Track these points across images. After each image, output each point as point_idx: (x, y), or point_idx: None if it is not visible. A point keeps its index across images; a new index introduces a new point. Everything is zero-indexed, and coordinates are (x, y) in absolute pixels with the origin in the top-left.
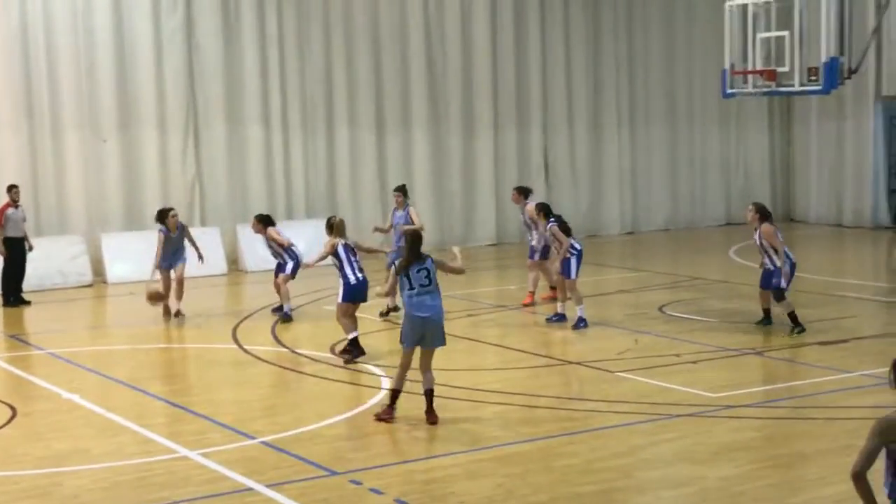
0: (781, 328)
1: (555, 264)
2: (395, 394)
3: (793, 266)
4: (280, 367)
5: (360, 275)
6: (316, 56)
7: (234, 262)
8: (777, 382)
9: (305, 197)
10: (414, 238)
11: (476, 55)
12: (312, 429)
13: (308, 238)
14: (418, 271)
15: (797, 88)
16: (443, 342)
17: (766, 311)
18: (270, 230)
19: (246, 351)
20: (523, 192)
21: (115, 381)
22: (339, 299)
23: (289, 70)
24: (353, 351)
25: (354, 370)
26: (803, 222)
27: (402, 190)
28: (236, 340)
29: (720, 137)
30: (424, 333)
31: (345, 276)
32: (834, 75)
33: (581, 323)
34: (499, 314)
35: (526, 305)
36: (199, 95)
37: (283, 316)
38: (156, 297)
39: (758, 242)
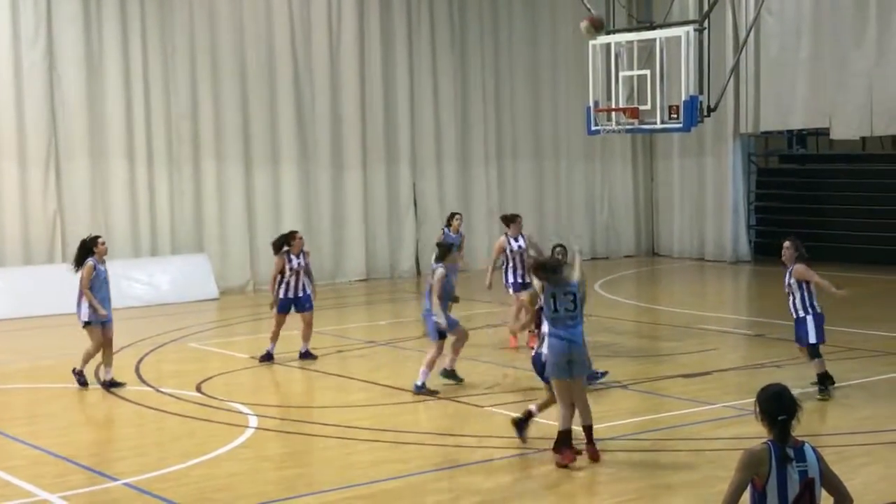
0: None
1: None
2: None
3: (817, 316)
4: (144, 406)
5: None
6: (181, 90)
7: None
8: (642, 415)
9: (171, 233)
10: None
11: (344, 91)
12: (177, 469)
13: (173, 276)
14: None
15: (659, 126)
16: None
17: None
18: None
19: (108, 390)
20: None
21: None
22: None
23: (154, 103)
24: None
25: (220, 409)
26: (667, 256)
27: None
28: (99, 380)
29: (585, 173)
30: None
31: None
32: (694, 113)
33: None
34: (368, 350)
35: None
36: (60, 128)
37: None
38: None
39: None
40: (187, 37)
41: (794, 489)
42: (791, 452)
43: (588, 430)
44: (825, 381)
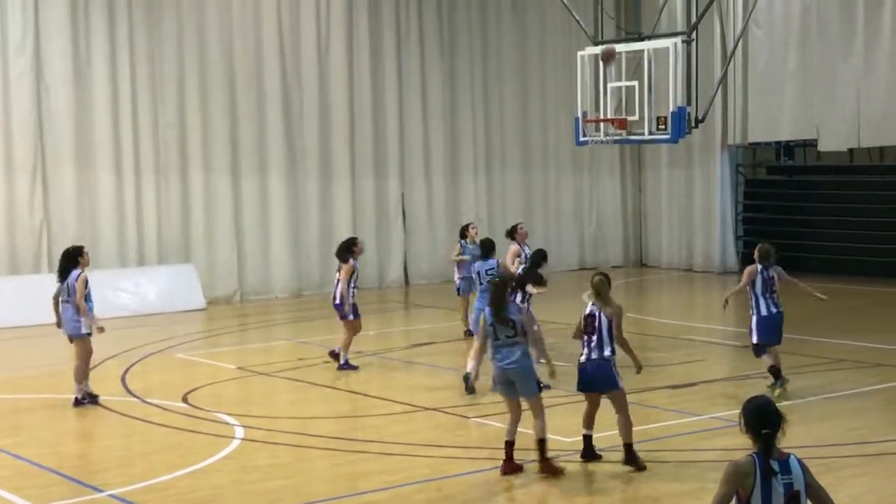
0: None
1: None
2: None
3: (760, 318)
4: (130, 416)
5: None
6: (169, 100)
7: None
8: None
9: (158, 243)
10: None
11: (332, 101)
12: (163, 480)
13: (160, 286)
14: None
15: (647, 137)
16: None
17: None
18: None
19: (90, 403)
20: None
21: None
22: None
23: (141, 113)
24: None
25: (207, 419)
26: (655, 267)
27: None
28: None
29: (574, 184)
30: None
31: None
32: (681, 124)
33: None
34: (356, 360)
35: None
36: (47, 137)
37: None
38: None
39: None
40: (175, 47)
41: (778, 501)
42: (776, 465)
43: (540, 443)
44: (775, 374)
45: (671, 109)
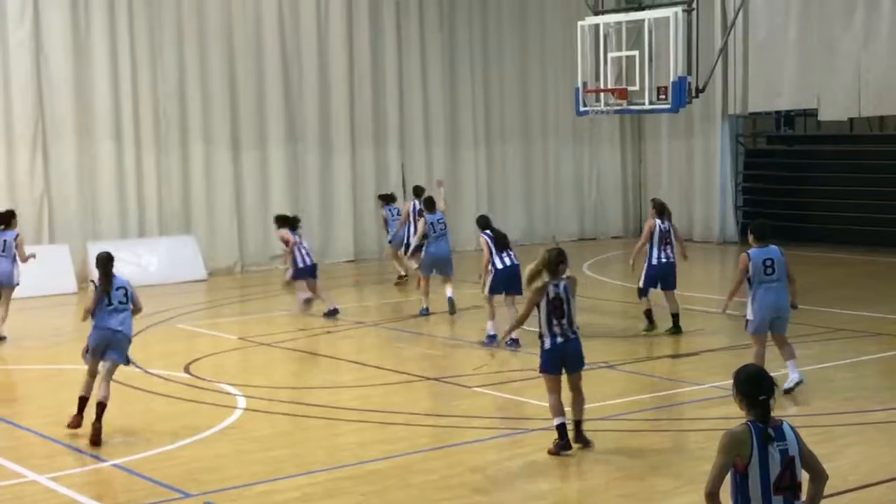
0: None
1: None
2: None
3: (650, 267)
4: (132, 387)
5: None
6: (169, 71)
7: (83, 281)
8: (629, 395)
9: (158, 214)
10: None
11: (332, 73)
12: (165, 450)
13: (161, 257)
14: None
15: (647, 107)
16: None
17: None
18: (281, 231)
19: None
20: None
21: None
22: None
23: (141, 85)
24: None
25: (208, 390)
26: None
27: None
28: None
29: (574, 155)
30: None
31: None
32: (682, 94)
33: (491, 340)
34: (356, 331)
35: None
36: (47, 109)
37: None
38: None
39: None
40: (174, 17)
41: (775, 469)
42: (772, 432)
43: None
44: (648, 317)
45: (671, 79)
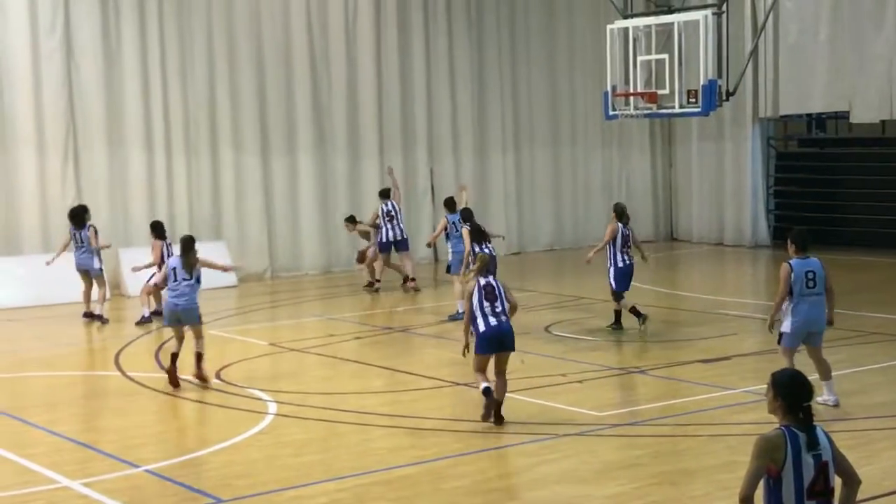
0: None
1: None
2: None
3: (617, 269)
4: (164, 393)
5: None
6: (199, 78)
7: (116, 287)
8: (661, 400)
9: (189, 220)
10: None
11: (361, 79)
12: (197, 456)
13: None
14: None
15: (677, 110)
16: None
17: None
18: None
19: (128, 377)
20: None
21: None
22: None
23: (171, 92)
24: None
25: (240, 395)
26: (686, 241)
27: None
28: (119, 367)
29: (603, 159)
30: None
31: None
32: (712, 97)
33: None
34: (385, 336)
35: None
36: (78, 116)
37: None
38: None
39: None
40: (204, 25)
41: (809, 474)
42: (806, 437)
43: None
44: (617, 318)
45: (701, 82)
